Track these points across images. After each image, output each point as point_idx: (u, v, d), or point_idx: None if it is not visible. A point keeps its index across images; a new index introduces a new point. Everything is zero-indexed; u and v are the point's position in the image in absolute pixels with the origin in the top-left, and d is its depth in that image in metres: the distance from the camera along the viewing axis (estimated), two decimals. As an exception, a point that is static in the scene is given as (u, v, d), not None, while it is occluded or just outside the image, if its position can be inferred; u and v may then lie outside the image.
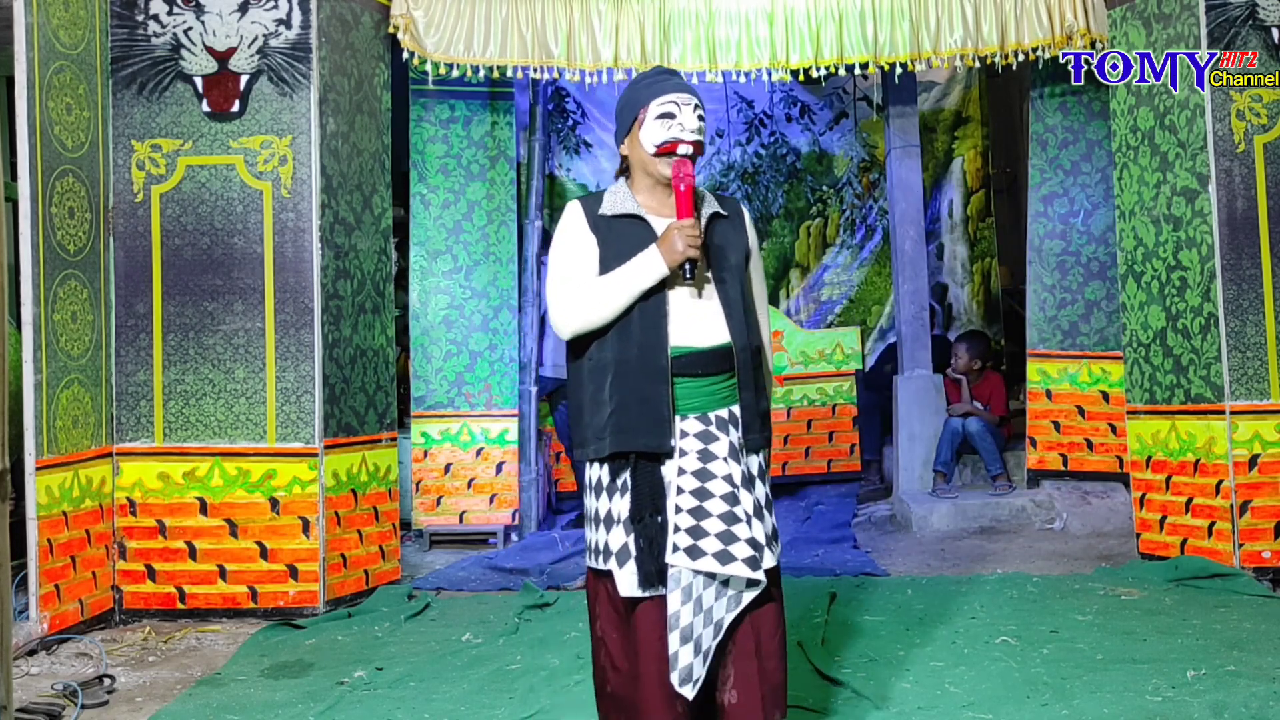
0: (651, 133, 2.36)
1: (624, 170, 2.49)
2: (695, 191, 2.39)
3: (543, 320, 6.37)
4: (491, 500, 5.93)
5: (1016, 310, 7.37)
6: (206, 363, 4.41)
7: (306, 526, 4.38)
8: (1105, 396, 5.85)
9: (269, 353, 4.40)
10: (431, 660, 3.68)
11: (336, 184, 4.57)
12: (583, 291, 2.35)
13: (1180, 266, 4.59)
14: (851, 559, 5.14)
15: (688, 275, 2.30)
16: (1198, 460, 4.52)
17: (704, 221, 2.41)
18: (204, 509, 4.37)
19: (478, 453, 5.95)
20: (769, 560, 2.32)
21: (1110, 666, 3.29)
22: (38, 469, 3.87)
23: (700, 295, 2.36)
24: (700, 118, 2.38)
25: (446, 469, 5.94)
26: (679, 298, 2.34)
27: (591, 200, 2.45)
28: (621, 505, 2.32)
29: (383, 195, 4.92)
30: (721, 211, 2.46)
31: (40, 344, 3.91)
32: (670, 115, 2.35)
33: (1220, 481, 4.41)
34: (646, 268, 2.31)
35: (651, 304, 2.32)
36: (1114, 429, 5.76)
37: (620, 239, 2.37)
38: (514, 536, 5.94)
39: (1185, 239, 4.56)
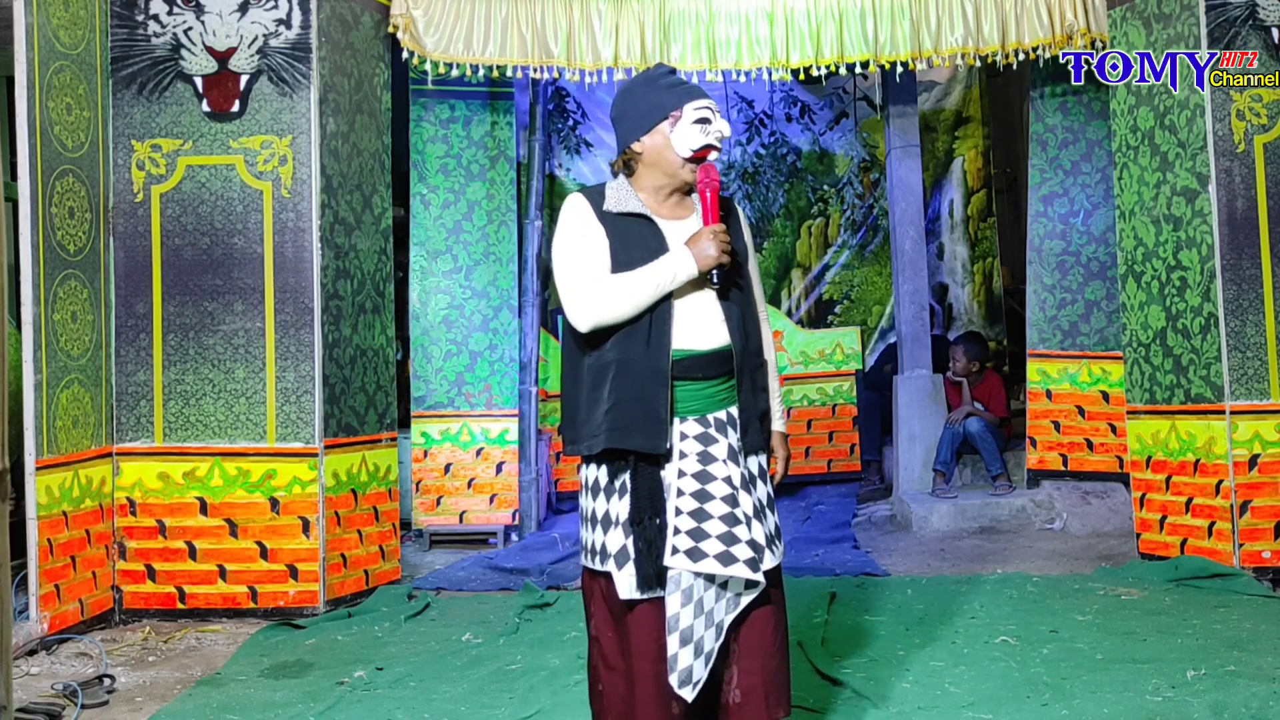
0: (688, 137, 2.34)
1: (625, 168, 2.43)
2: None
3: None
4: (491, 500, 5.93)
5: (1017, 310, 7.36)
6: (206, 363, 4.41)
7: (306, 526, 4.38)
8: (1105, 396, 5.84)
9: (269, 353, 4.40)
10: (431, 660, 3.68)
11: (336, 184, 4.57)
12: (608, 285, 2.31)
13: (1180, 266, 4.59)
14: (851, 559, 5.14)
15: (715, 281, 2.32)
16: (1198, 460, 4.52)
17: None
18: (204, 509, 4.37)
19: (478, 453, 5.95)
20: (770, 560, 2.32)
21: (1110, 666, 3.29)
22: (38, 469, 3.87)
23: (703, 298, 2.36)
24: None
25: (446, 469, 5.94)
26: (681, 301, 2.34)
27: (593, 193, 2.42)
28: (620, 507, 2.31)
29: (383, 195, 4.92)
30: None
31: (40, 344, 3.91)
32: (707, 120, 2.35)
33: (1220, 481, 4.41)
34: (678, 268, 2.30)
35: (660, 306, 2.32)
36: (1114, 429, 5.76)
37: (628, 237, 2.35)
38: (514, 536, 5.94)
39: (1185, 239, 4.56)
